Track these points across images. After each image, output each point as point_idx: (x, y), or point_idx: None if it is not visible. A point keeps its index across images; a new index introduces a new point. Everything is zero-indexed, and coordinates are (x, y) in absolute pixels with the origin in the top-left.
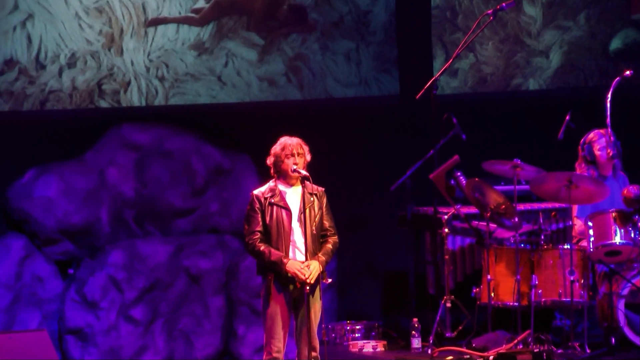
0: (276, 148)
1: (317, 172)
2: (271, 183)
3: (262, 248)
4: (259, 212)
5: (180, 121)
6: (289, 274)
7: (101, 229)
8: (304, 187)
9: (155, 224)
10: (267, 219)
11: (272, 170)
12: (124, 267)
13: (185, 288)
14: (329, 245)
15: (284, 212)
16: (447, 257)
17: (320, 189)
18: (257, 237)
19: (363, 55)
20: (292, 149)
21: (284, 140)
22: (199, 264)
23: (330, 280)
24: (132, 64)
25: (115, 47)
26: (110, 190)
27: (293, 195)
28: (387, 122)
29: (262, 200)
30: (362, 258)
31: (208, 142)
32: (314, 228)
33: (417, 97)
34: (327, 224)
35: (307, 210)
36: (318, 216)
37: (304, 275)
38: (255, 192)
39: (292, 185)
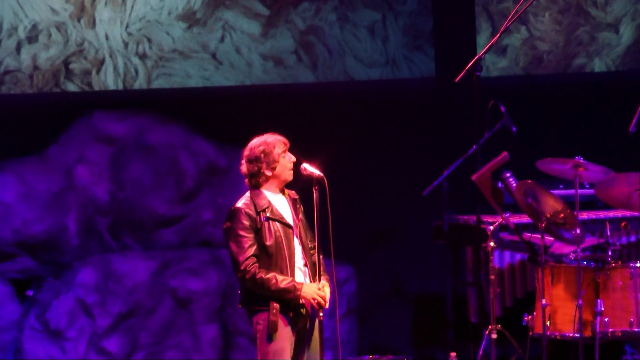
0: (260, 148)
1: (332, 173)
2: (251, 194)
3: (266, 275)
4: (252, 231)
5: (165, 109)
6: (304, 301)
7: (68, 242)
8: (286, 193)
9: (135, 236)
10: (267, 239)
11: (251, 180)
12: (96, 289)
13: (171, 314)
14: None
15: (286, 229)
16: (492, 277)
17: (296, 195)
18: (254, 262)
19: (391, 29)
20: (284, 145)
21: (267, 138)
22: (188, 285)
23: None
24: (107, 38)
25: (86, 17)
26: (80, 193)
27: (282, 206)
28: (419, 111)
29: (254, 216)
30: (388, 278)
31: (200, 134)
32: (309, 242)
33: (457, 80)
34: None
35: (303, 223)
36: (306, 228)
37: (324, 300)
38: (240, 205)
39: (276, 193)
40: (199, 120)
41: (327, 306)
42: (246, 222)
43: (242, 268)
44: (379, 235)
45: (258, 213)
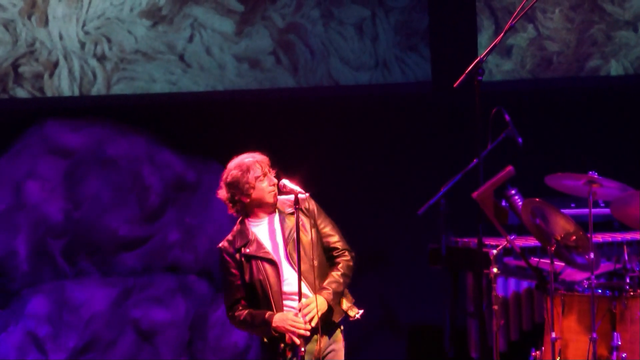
0: (235, 174)
1: (316, 189)
2: (237, 226)
3: (242, 317)
4: (235, 272)
5: (127, 117)
6: (280, 334)
7: (17, 267)
8: (280, 212)
9: (92, 260)
10: (247, 277)
11: (234, 209)
12: (49, 320)
13: (134, 348)
14: (337, 273)
15: (266, 266)
16: (496, 307)
17: (301, 196)
18: (237, 304)
19: (381, 27)
20: (262, 167)
21: (243, 160)
22: (152, 316)
23: (361, 311)
24: (61, 37)
25: (37, 14)
26: (30, 212)
27: (270, 231)
28: (413, 119)
29: (235, 255)
30: (379, 307)
31: (165, 146)
32: (314, 257)
33: (456, 85)
34: (330, 239)
35: (294, 242)
36: (313, 236)
37: (299, 328)
38: (222, 245)
39: (263, 217)
40: (164, 130)
41: (311, 325)
42: (228, 264)
43: (227, 313)
44: (368, 259)
45: (238, 250)
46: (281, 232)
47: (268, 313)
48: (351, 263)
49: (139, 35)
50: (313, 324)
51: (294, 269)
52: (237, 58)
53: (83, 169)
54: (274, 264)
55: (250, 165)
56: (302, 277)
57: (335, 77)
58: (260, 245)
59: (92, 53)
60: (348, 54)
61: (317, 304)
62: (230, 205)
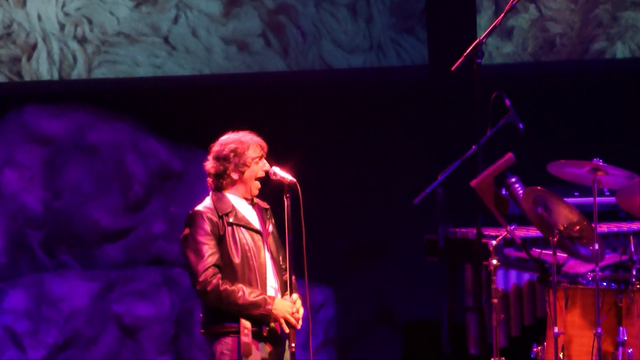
0: (231, 146)
1: (307, 178)
2: (212, 197)
3: (231, 287)
4: (213, 238)
5: (109, 103)
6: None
7: None
8: (255, 202)
9: (73, 252)
10: (231, 247)
11: (215, 180)
12: (27, 315)
13: (116, 345)
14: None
15: (254, 236)
16: (495, 300)
17: (267, 205)
18: (216, 272)
19: (376, 8)
20: (261, 150)
21: (243, 136)
22: (135, 310)
23: (293, 345)
24: (40, 18)
25: None
26: (8, 202)
27: (249, 213)
28: (410, 105)
29: (216, 220)
30: (373, 302)
31: (150, 133)
32: (280, 259)
33: (454, 68)
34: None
35: (274, 236)
36: (277, 244)
37: (297, 320)
38: (200, 208)
39: (241, 199)
40: (148, 116)
41: (299, 326)
42: (207, 227)
43: (201, 279)
44: (362, 251)
45: (220, 217)
46: (260, 221)
47: (267, 295)
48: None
49: (122, 17)
50: (299, 326)
51: (272, 259)
52: (225, 40)
53: (63, 156)
54: (259, 234)
55: (252, 144)
56: (275, 274)
57: (327, 61)
58: (243, 217)
59: (72, 35)
60: (341, 36)
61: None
62: (215, 178)
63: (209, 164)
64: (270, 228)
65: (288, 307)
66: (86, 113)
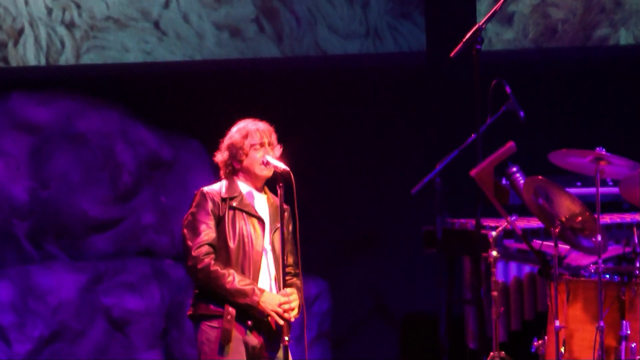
0: (234, 137)
1: (301, 167)
2: (226, 181)
3: (222, 270)
4: (212, 217)
5: (98, 90)
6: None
7: None
8: (269, 197)
9: (61, 243)
10: (229, 231)
11: (224, 171)
12: (13, 308)
13: (105, 338)
14: (298, 285)
15: (255, 223)
16: (495, 293)
17: (286, 206)
18: (210, 252)
19: None
20: (262, 137)
21: (246, 125)
22: (124, 303)
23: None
24: (26, 3)
25: None
26: None
27: (260, 204)
28: (407, 92)
29: (219, 201)
30: (368, 295)
31: (140, 120)
32: (286, 257)
33: (453, 54)
34: (292, 258)
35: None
36: (287, 242)
37: (288, 315)
38: (206, 189)
39: (256, 189)
40: (138, 104)
41: (292, 319)
42: (208, 207)
43: (193, 254)
44: (358, 243)
45: (224, 199)
46: (270, 211)
47: (257, 286)
48: (301, 289)
49: (111, 1)
50: (293, 318)
51: (272, 251)
52: (217, 26)
53: (51, 145)
54: (261, 222)
55: (251, 131)
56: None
57: (322, 47)
58: (249, 203)
59: (59, 20)
60: (337, 22)
61: (295, 298)
62: (223, 167)
63: (219, 155)
64: (283, 229)
65: (277, 300)
66: (74, 100)
